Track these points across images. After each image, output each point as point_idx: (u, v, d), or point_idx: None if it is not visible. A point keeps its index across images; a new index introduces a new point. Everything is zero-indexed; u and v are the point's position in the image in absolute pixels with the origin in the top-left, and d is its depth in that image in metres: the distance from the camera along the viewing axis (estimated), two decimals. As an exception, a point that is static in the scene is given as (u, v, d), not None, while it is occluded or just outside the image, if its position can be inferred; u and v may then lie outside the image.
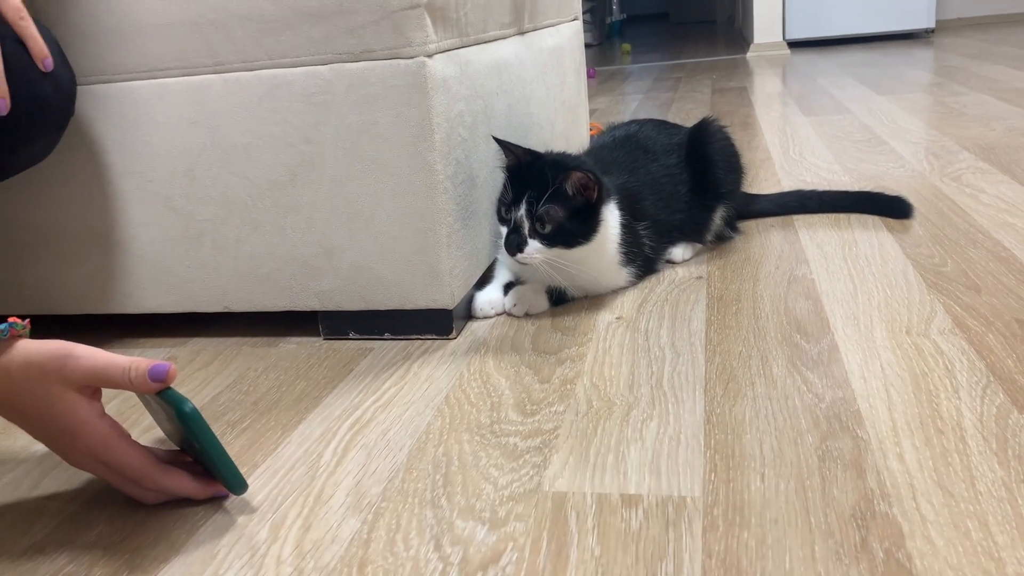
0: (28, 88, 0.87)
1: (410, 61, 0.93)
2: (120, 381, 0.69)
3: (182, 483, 0.72)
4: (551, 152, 1.10)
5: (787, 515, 0.63)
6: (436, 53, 0.95)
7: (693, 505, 0.65)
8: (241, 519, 0.70)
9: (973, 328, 0.91)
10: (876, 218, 1.33)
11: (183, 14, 0.96)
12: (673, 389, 0.84)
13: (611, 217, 1.07)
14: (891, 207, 1.33)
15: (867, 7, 4.11)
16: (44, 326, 1.19)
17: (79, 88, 1.00)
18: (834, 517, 0.62)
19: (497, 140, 1.07)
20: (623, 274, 1.12)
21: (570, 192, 1.01)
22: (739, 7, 5.38)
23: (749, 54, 4.17)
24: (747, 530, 0.62)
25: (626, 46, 5.18)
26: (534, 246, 1.02)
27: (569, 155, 1.11)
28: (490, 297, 1.10)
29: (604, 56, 5.02)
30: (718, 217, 1.24)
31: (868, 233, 1.26)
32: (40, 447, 0.85)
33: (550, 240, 1.02)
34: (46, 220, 1.07)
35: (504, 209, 1.05)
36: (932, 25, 4.13)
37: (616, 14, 6.90)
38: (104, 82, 1.01)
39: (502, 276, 1.14)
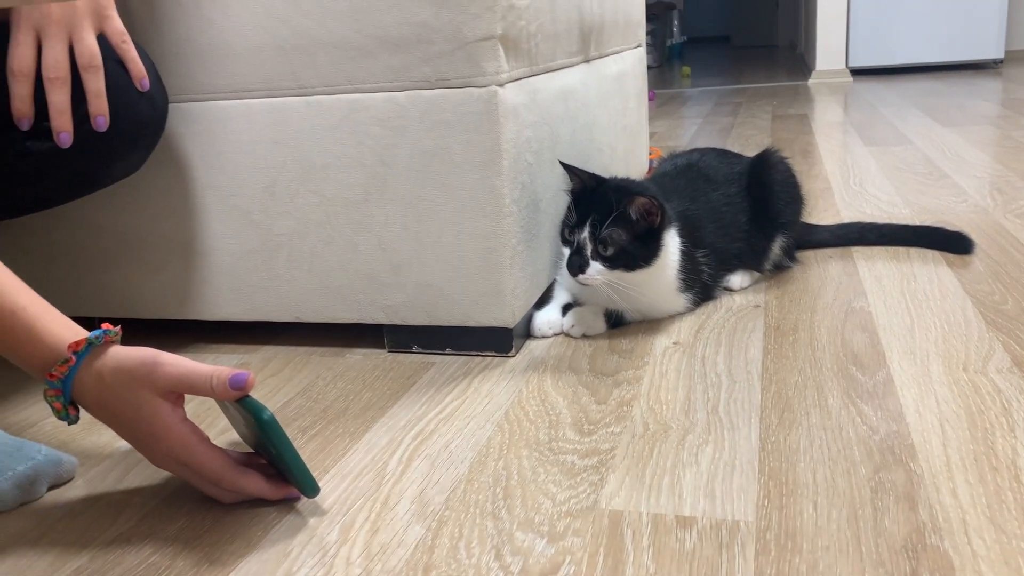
0: (126, 106, 0.93)
1: (483, 90, 0.97)
2: (203, 388, 0.74)
3: (257, 484, 0.77)
4: (615, 177, 1.13)
5: (839, 543, 0.65)
6: (507, 82, 0.99)
7: (746, 529, 0.67)
8: (312, 521, 0.74)
9: (1032, 367, 0.91)
10: (936, 252, 1.33)
11: (270, 39, 1.01)
12: (729, 415, 0.86)
13: (672, 243, 1.09)
14: (952, 242, 1.33)
15: (934, 36, 4.07)
16: (125, 329, 1.26)
17: (170, 106, 1.06)
18: (885, 547, 0.64)
19: (563, 164, 1.11)
20: (681, 300, 1.15)
21: (633, 217, 1.04)
22: (801, 33, 5.36)
23: (811, 81, 4.15)
24: (799, 555, 0.64)
25: (686, 69, 5.19)
26: (596, 268, 1.05)
27: (633, 181, 1.14)
28: (549, 317, 1.13)
29: (664, 79, 5.04)
30: (777, 246, 1.25)
31: (927, 267, 1.26)
32: (124, 444, 0.91)
33: (612, 262, 1.05)
34: (132, 228, 1.14)
35: (568, 231, 1.08)
36: (1001, 56, 4.06)
37: (677, 36, 6.91)
38: (193, 101, 1.07)
39: (561, 297, 1.18)
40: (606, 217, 1.04)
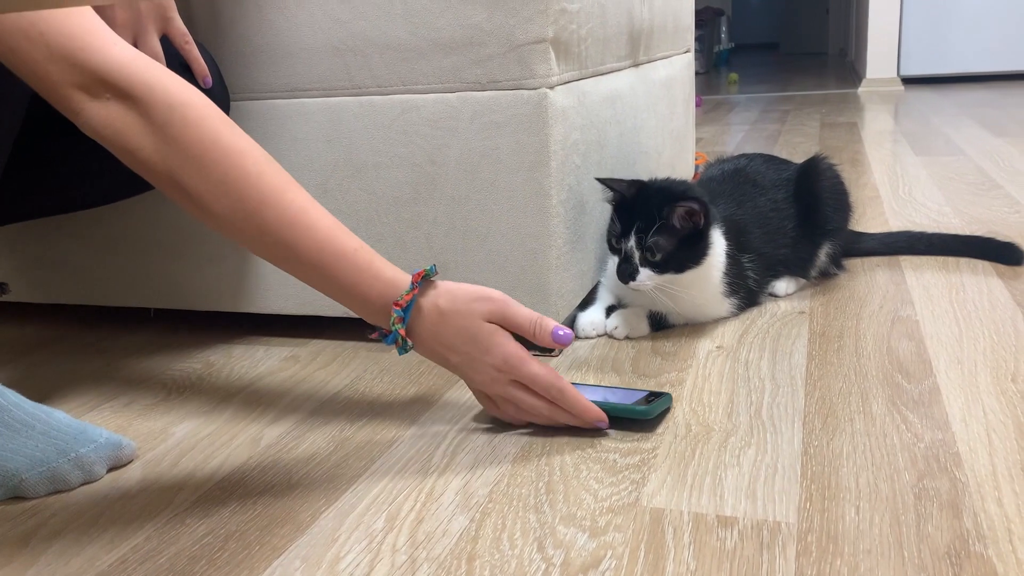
0: None
1: (533, 92, 0.99)
2: (526, 328, 0.85)
3: (578, 403, 0.84)
4: (655, 180, 1.13)
5: (880, 547, 0.65)
6: (557, 85, 1.01)
7: (788, 530, 0.68)
8: (360, 508, 0.76)
9: (1083, 380, 0.90)
10: (986, 263, 1.31)
11: (326, 40, 1.04)
12: (772, 419, 0.87)
13: (717, 243, 1.10)
14: (1003, 253, 1.31)
15: (990, 44, 4.00)
16: (180, 320, 1.30)
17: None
18: (928, 553, 0.64)
19: (600, 180, 1.11)
20: (726, 304, 1.15)
21: (677, 224, 1.05)
22: (852, 40, 5.30)
23: (861, 89, 4.10)
24: (840, 558, 0.64)
25: (733, 76, 5.16)
26: (645, 274, 1.06)
27: (674, 181, 1.14)
28: (592, 319, 1.14)
29: (710, 85, 5.02)
30: (823, 254, 1.25)
31: (977, 278, 1.25)
32: (180, 429, 0.94)
33: (661, 267, 1.06)
34: (188, 222, 1.17)
35: (614, 240, 1.09)
36: (1059, 65, 3.97)
37: (725, 43, 6.87)
38: (250, 99, 1.10)
39: (604, 298, 1.18)
40: (651, 225, 1.04)
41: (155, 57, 0.92)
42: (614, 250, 1.10)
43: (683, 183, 1.14)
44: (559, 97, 1.01)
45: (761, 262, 1.17)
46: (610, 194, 1.11)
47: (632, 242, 1.05)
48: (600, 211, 1.18)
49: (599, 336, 1.14)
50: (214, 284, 1.19)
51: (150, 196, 1.16)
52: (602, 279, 1.21)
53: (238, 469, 0.84)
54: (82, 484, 0.83)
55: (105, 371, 1.13)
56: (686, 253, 1.06)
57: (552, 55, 0.99)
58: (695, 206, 1.04)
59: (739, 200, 1.20)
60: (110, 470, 0.86)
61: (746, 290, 1.16)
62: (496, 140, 1.01)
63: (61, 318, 1.36)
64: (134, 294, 1.24)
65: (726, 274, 1.12)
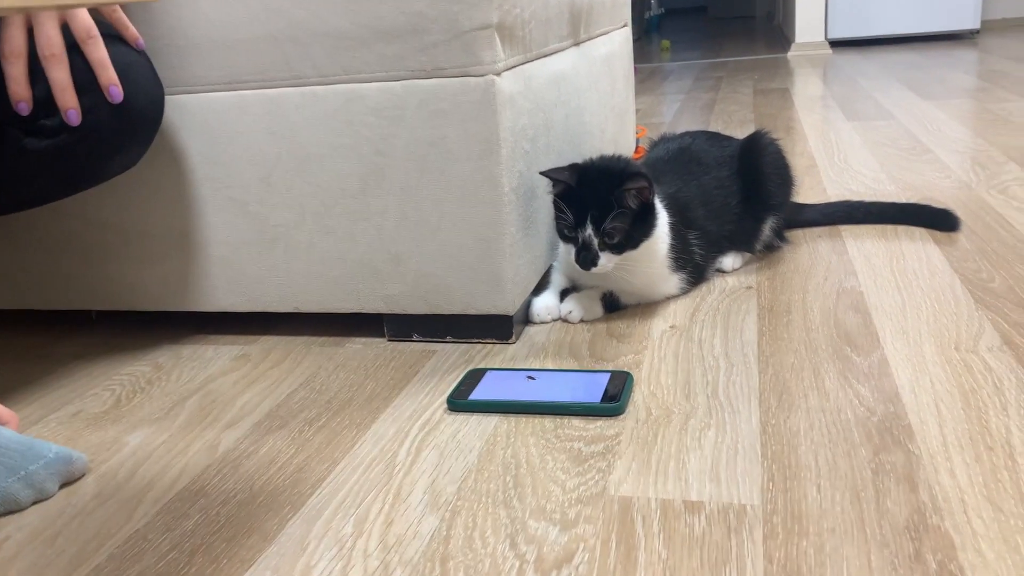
0: (116, 104, 0.92)
1: (480, 79, 0.97)
2: None
3: None
4: (592, 161, 1.11)
5: (843, 525, 0.67)
6: (504, 71, 1.00)
7: (753, 513, 0.69)
8: (327, 513, 0.75)
9: (1021, 346, 0.94)
10: (923, 230, 1.35)
11: (264, 30, 1.01)
12: (729, 399, 0.88)
13: (662, 214, 1.11)
14: (938, 220, 1.35)
15: (911, 7, 4.09)
16: (123, 321, 1.26)
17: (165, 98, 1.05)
18: (888, 528, 0.66)
19: (544, 174, 1.09)
20: (675, 280, 1.16)
21: (631, 204, 1.05)
22: (779, 4, 5.36)
23: (790, 53, 4.16)
24: (806, 538, 0.66)
25: (665, 43, 5.18)
26: (606, 257, 1.07)
27: (611, 160, 1.12)
28: (547, 303, 1.14)
29: (643, 52, 5.03)
30: (768, 228, 1.27)
31: (915, 245, 1.29)
32: (133, 439, 0.91)
33: (619, 248, 1.07)
34: (130, 221, 1.13)
35: (567, 230, 1.09)
36: (977, 26, 4.09)
37: (655, 8, 6.89)
38: (187, 92, 1.06)
39: (557, 282, 1.19)
40: (606, 212, 1.04)
41: (87, 28, 0.87)
42: (567, 239, 1.10)
43: (621, 160, 1.13)
44: (506, 83, 1.00)
45: (707, 238, 1.19)
46: (555, 188, 1.10)
47: (589, 231, 1.05)
48: (551, 196, 1.18)
49: (554, 320, 1.14)
50: (158, 283, 1.16)
51: (87, 197, 1.12)
52: (555, 263, 1.21)
53: (197, 478, 0.83)
54: (34, 503, 0.80)
55: (48, 379, 1.09)
56: (639, 228, 1.07)
57: (497, 40, 0.98)
58: (644, 183, 1.05)
59: (684, 178, 1.21)
60: (62, 486, 0.83)
61: (693, 265, 1.18)
62: (444, 129, 1.00)
63: (-6, 324, 1.31)
64: (73, 297, 1.19)
65: (672, 247, 1.13)
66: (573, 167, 1.10)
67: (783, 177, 1.27)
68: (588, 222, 1.05)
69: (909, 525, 0.66)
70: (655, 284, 1.15)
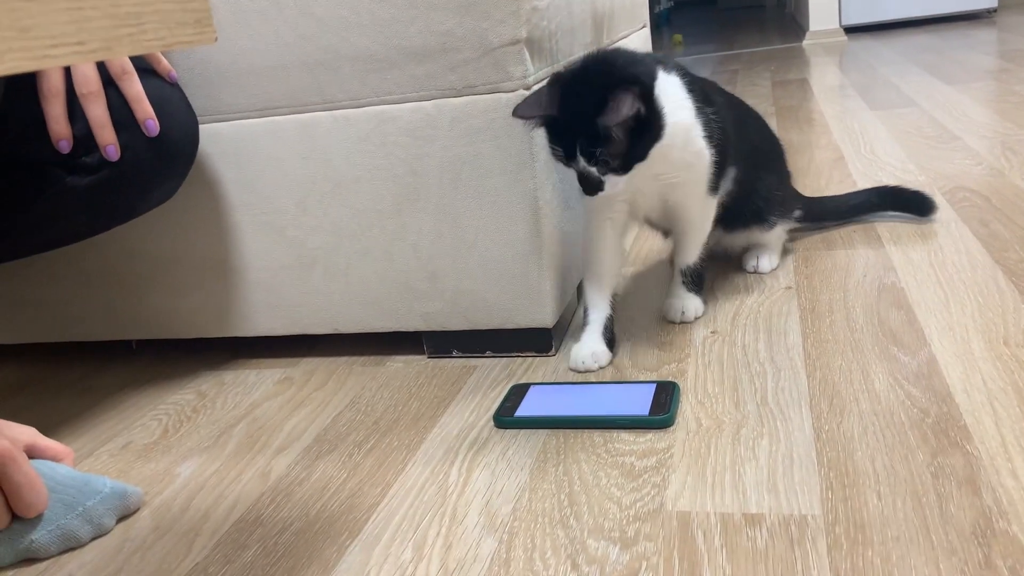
0: (153, 138, 0.93)
1: (511, 95, 0.97)
2: None
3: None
4: (577, 69, 0.97)
5: (908, 533, 0.66)
6: (534, 84, 0.99)
7: (815, 523, 0.69)
8: (385, 539, 0.75)
9: (1072, 338, 0.92)
10: (959, 220, 1.34)
11: (294, 56, 1.01)
12: (779, 406, 0.88)
13: (671, 94, 0.98)
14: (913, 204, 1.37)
15: (926, -11, 4.05)
16: (164, 349, 1.27)
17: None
18: (954, 535, 0.65)
19: (516, 116, 0.96)
20: (707, 153, 1.03)
21: (622, 128, 0.93)
22: (791, -8, 5.33)
23: (805, 42, 4.13)
24: (871, 548, 0.65)
25: (677, 37, 5.16)
26: (612, 180, 0.96)
27: (600, 62, 0.98)
28: (593, 350, 1.04)
29: (655, 47, 5.00)
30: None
31: (952, 236, 1.27)
32: (185, 469, 0.92)
33: (624, 167, 0.95)
34: (166, 251, 1.14)
35: (562, 162, 0.97)
36: (995, 4, 4.04)
37: (664, 2, 6.86)
38: (220, 120, 1.07)
39: (597, 316, 1.06)
40: (593, 142, 0.92)
41: (120, 64, 0.88)
42: (566, 165, 0.98)
43: (605, 63, 0.98)
44: (536, 97, 0.99)
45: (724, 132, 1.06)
46: (533, 123, 0.98)
47: (583, 162, 0.94)
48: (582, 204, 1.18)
49: (601, 368, 1.03)
50: (197, 311, 1.17)
51: (124, 228, 1.13)
52: (586, 281, 1.09)
53: (252, 508, 0.83)
54: (93, 539, 0.81)
55: (95, 411, 1.10)
56: (644, 137, 0.95)
57: (527, 55, 0.97)
58: (628, 96, 0.90)
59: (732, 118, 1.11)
60: (119, 520, 0.84)
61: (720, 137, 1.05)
62: (477, 146, 1.00)
63: (38, 358, 1.32)
64: (114, 328, 1.21)
65: (698, 114, 1.01)
66: (552, 85, 0.95)
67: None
68: (579, 154, 0.93)
69: (976, 530, 0.65)
70: (690, 159, 1.02)
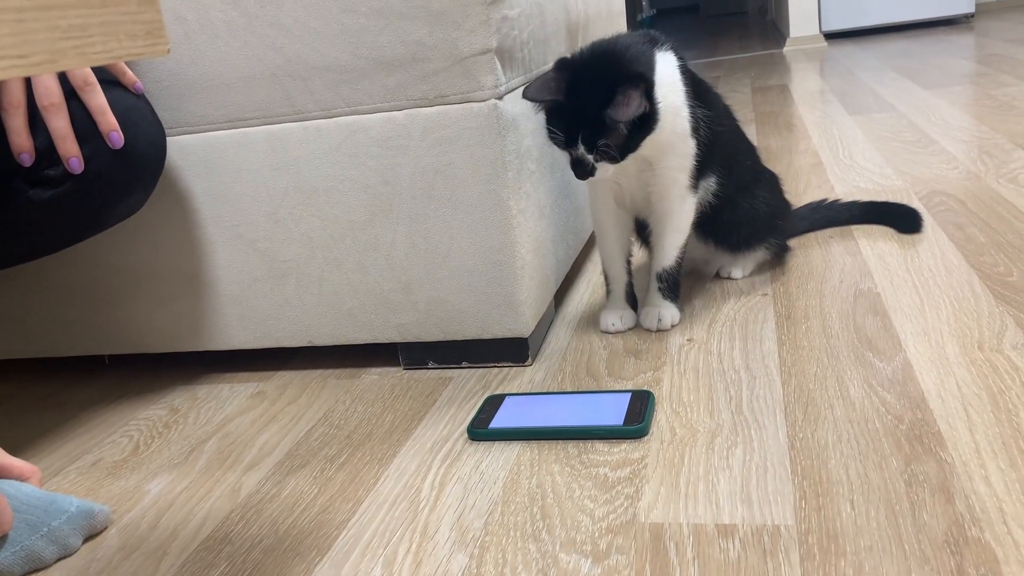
0: (118, 149, 0.92)
1: (482, 104, 0.97)
2: None
3: None
4: (586, 56, 1.01)
5: (881, 542, 0.66)
6: (506, 94, 0.99)
7: (788, 534, 0.68)
8: (354, 556, 0.74)
9: (1046, 342, 0.92)
10: (935, 225, 1.34)
11: (263, 66, 1.00)
12: (754, 414, 0.87)
13: (666, 77, 1.01)
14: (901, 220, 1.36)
15: (904, -5, 4.08)
16: (136, 364, 1.25)
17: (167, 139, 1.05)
18: (927, 543, 0.65)
19: (527, 98, 0.99)
20: (691, 142, 1.06)
21: (625, 124, 0.96)
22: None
23: (786, 48, 4.15)
24: (843, 558, 0.65)
25: (659, 44, 5.17)
26: (603, 166, 0.99)
27: (608, 54, 1.01)
28: (621, 313, 1.15)
29: (638, 55, 5.02)
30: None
31: (928, 241, 1.27)
32: (153, 487, 0.90)
33: (622, 155, 0.99)
34: (137, 264, 1.13)
35: (561, 145, 1.00)
36: (972, 10, 4.08)
37: (647, 10, 6.89)
38: (189, 132, 1.06)
39: (617, 286, 1.16)
40: (597, 133, 0.95)
41: (83, 75, 0.87)
42: (560, 148, 1.01)
43: (613, 59, 1.00)
44: (508, 105, 0.99)
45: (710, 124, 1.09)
46: (541, 106, 1.02)
47: (582, 149, 0.97)
48: (558, 215, 1.17)
49: (628, 329, 1.15)
50: (170, 324, 1.15)
51: (94, 243, 1.12)
52: (601, 252, 1.16)
53: (221, 525, 0.82)
54: (59, 559, 0.80)
55: (65, 428, 1.09)
56: (640, 130, 0.98)
57: (498, 64, 0.97)
58: (636, 92, 0.93)
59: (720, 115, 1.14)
60: (86, 540, 0.82)
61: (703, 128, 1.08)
62: (449, 155, 0.99)
63: (6, 374, 1.30)
64: (85, 342, 1.19)
65: (687, 95, 1.04)
66: (560, 71, 0.98)
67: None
68: (579, 142, 0.97)
69: (948, 539, 0.65)
70: (676, 146, 1.05)
